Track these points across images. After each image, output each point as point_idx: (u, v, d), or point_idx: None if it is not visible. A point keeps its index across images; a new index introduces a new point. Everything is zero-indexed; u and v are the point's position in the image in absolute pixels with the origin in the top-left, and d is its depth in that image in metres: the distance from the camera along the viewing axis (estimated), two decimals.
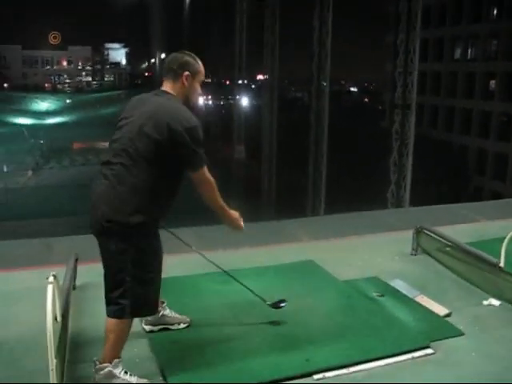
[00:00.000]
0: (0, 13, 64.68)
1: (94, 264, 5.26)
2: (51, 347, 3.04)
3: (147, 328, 4.18)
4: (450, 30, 42.84)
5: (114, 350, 3.44)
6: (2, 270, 5.48)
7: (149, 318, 4.13)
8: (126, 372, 3.46)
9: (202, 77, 3.67)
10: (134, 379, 3.46)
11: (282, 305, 4.48)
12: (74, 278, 4.90)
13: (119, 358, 3.46)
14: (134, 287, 3.35)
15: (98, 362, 3.43)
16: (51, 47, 75.06)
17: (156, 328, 4.18)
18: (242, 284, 4.54)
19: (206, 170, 3.51)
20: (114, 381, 3.40)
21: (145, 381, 3.50)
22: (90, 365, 3.54)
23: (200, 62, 3.66)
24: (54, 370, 3.08)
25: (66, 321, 3.79)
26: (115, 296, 3.38)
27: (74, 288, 4.88)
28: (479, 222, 7.79)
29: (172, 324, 4.22)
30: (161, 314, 4.16)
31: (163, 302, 4.18)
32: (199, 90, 3.66)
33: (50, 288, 3.12)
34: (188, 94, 3.60)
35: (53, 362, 3.06)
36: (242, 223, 3.90)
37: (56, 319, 3.44)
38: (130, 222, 3.28)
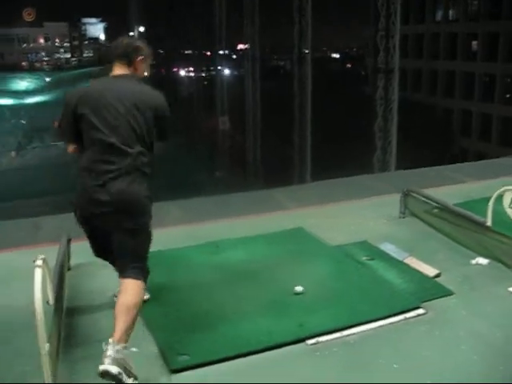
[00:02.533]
0: None
1: (84, 242, 5.30)
2: (42, 332, 3.00)
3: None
4: None
5: (130, 327, 3.27)
6: None
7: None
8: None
9: (150, 60, 3.84)
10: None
11: None
12: (67, 258, 4.87)
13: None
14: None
15: (112, 343, 3.14)
16: (26, 24, 73.57)
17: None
18: None
19: None
20: (131, 365, 3.17)
21: None
22: (86, 346, 3.56)
23: (146, 44, 3.81)
24: (47, 355, 3.04)
25: (59, 303, 3.77)
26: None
27: (69, 268, 4.85)
28: (465, 182, 7.83)
29: None
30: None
31: None
32: (149, 71, 3.83)
33: (38, 272, 3.07)
34: (140, 75, 3.76)
35: (45, 346, 3.03)
36: None
37: (48, 302, 3.43)
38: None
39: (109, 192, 3.36)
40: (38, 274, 3.07)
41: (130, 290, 3.39)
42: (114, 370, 3.04)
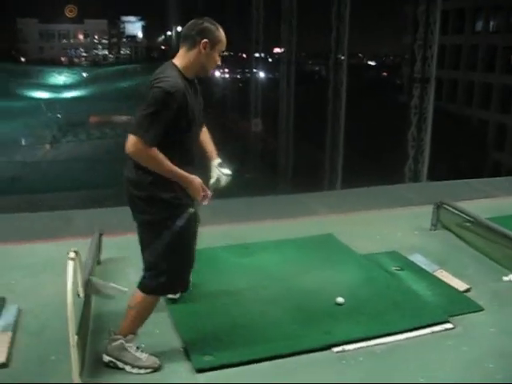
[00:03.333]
0: None
1: (117, 237, 5.39)
2: (72, 324, 3.08)
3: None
4: (471, 1, 41.92)
5: (131, 326, 3.48)
6: (24, 242, 5.56)
7: None
8: (137, 348, 3.49)
9: (222, 46, 3.38)
10: (144, 356, 3.46)
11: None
12: (98, 252, 4.96)
13: (134, 334, 3.50)
14: None
15: (112, 333, 3.47)
16: (67, 21, 74.84)
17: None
18: None
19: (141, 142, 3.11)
20: (124, 354, 3.44)
21: (154, 359, 3.49)
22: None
23: (221, 31, 3.37)
24: (75, 347, 3.13)
25: (88, 296, 3.83)
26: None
27: (99, 263, 4.93)
28: (498, 197, 7.71)
29: None
30: None
31: None
32: (218, 60, 3.38)
33: (70, 264, 3.13)
34: (204, 62, 3.33)
35: (74, 338, 3.11)
36: (205, 194, 3.45)
37: (78, 295, 3.49)
38: None
39: None
40: (71, 266, 3.13)
41: (135, 296, 3.48)
42: (105, 358, 3.46)
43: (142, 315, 3.49)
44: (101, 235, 5.05)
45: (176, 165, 3.22)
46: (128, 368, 3.44)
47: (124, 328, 3.47)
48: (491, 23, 41.86)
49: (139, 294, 3.44)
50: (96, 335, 3.81)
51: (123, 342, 3.44)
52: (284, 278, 4.76)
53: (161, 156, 3.16)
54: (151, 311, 3.52)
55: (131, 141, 3.12)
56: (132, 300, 3.47)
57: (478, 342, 3.89)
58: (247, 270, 4.90)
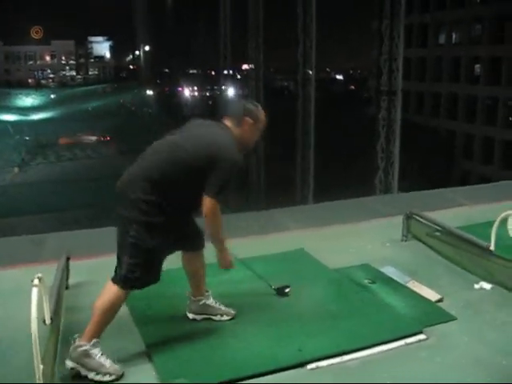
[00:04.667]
0: None
1: (87, 260, 5.28)
2: (37, 353, 3.01)
3: (190, 316, 4.23)
4: (433, 16, 42.84)
5: (95, 329, 3.53)
6: None
7: (192, 307, 4.22)
8: (102, 354, 3.51)
9: (262, 125, 3.93)
10: (108, 362, 3.49)
11: (287, 290, 4.68)
12: (66, 277, 4.84)
13: (98, 338, 3.54)
14: None
15: (77, 340, 3.50)
16: (34, 42, 74.29)
17: (199, 317, 4.21)
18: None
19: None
20: (87, 360, 3.46)
21: (116, 367, 3.52)
22: None
23: (263, 113, 3.92)
24: (41, 376, 3.06)
25: (56, 322, 3.75)
26: None
27: (67, 288, 4.81)
28: (468, 206, 7.78)
29: (215, 315, 4.23)
30: (202, 302, 4.19)
31: (207, 291, 4.24)
32: (256, 136, 3.94)
33: (34, 291, 3.06)
34: (245, 137, 3.86)
35: (39, 368, 3.04)
36: (234, 265, 4.14)
37: (44, 322, 3.40)
38: None
39: None
40: (35, 293, 3.05)
41: (102, 292, 3.64)
42: (68, 364, 3.49)
43: (106, 316, 3.56)
44: (68, 259, 4.91)
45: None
46: (91, 375, 3.46)
47: (88, 332, 3.52)
48: (453, 35, 42.80)
49: (108, 290, 3.59)
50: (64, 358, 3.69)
51: (87, 348, 3.47)
52: (255, 294, 4.71)
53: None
54: (116, 312, 3.62)
55: (209, 203, 3.63)
56: (99, 299, 3.59)
57: (452, 352, 3.88)
58: (218, 289, 4.82)
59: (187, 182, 3.64)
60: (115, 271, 3.68)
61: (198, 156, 3.62)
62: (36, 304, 3.02)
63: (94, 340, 3.50)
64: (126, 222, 3.59)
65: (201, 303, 4.19)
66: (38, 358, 3.02)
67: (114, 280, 3.63)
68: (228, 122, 3.84)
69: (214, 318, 4.22)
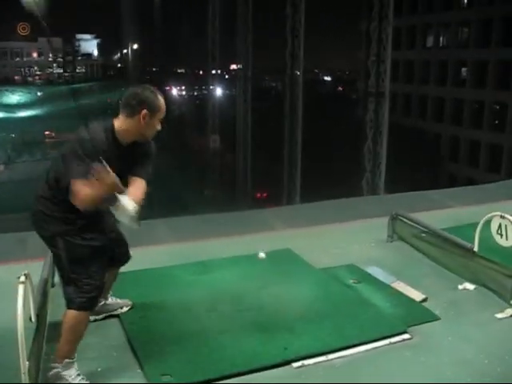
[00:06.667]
0: None
1: None
2: (23, 350, 2.99)
3: (91, 318, 3.96)
4: (421, 18, 43.08)
5: (66, 348, 3.37)
6: None
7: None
8: (78, 375, 3.37)
9: (162, 114, 3.46)
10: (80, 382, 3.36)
11: None
12: (52, 274, 4.81)
13: (72, 358, 3.38)
14: None
15: (52, 359, 3.41)
16: (20, 38, 73.66)
17: (99, 317, 4.18)
18: None
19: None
20: (62, 382, 3.33)
21: None
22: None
23: (161, 98, 3.44)
24: (27, 373, 3.03)
25: (42, 320, 3.74)
26: None
27: (53, 285, 4.79)
28: (453, 207, 7.86)
29: (116, 310, 4.28)
30: (102, 303, 4.15)
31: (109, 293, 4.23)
32: (158, 127, 3.46)
33: (20, 288, 3.05)
34: (144, 131, 3.42)
35: (25, 365, 3.02)
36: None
37: (30, 319, 3.38)
38: None
39: None
40: (21, 290, 3.04)
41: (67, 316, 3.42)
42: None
43: (77, 334, 3.40)
44: None
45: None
46: None
47: (60, 351, 3.38)
48: (441, 39, 43.05)
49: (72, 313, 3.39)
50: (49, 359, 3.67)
51: (59, 370, 3.35)
52: (242, 294, 4.73)
53: None
54: (85, 328, 3.46)
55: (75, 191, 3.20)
56: (66, 320, 3.39)
57: (436, 352, 3.93)
58: (204, 288, 4.85)
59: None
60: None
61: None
62: (22, 301, 3.02)
63: (66, 360, 3.36)
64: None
65: (101, 304, 4.11)
66: (23, 355, 3.00)
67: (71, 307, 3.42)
68: (122, 117, 3.39)
69: (115, 313, 4.26)
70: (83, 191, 3.13)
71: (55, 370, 3.34)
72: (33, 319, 3.45)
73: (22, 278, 3.08)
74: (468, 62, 39.46)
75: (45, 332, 3.93)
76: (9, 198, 31.98)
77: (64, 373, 3.34)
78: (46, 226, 3.44)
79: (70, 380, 3.33)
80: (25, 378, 3.03)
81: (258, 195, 33.98)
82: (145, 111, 3.34)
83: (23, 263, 5.09)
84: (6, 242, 6.49)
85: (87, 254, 3.39)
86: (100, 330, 4.00)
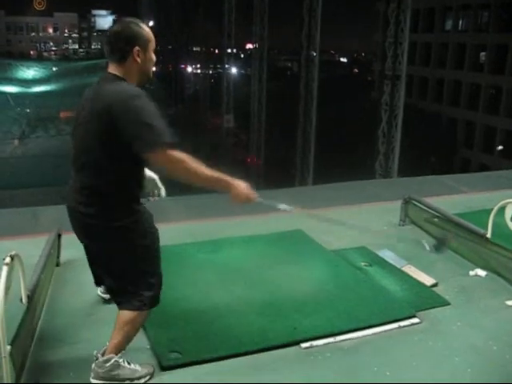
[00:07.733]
0: None
1: None
2: (2, 334, 2.83)
3: (106, 296, 4.00)
4: (441, 1, 42.45)
5: (124, 342, 3.22)
6: None
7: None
8: (128, 362, 3.28)
9: (153, 43, 3.09)
10: (138, 366, 3.30)
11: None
12: (57, 254, 4.80)
13: (124, 349, 3.28)
14: None
15: (100, 356, 3.19)
16: (36, 13, 73.62)
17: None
18: None
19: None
20: (119, 372, 3.20)
21: (146, 366, 3.37)
22: (62, 348, 3.53)
23: (144, 26, 3.06)
24: (8, 357, 2.88)
25: (34, 302, 3.63)
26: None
27: (58, 265, 4.80)
28: (466, 193, 7.81)
29: None
30: None
31: None
32: (154, 58, 3.11)
33: (4, 269, 2.86)
34: (145, 69, 3.08)
35: (5, 348, 2.85)
36: (253, 194, 3.30)
37: (21, 300, 3.31)
38: None
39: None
40: (4, 272, 2.87)
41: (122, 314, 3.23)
42: (95, 382, 3.16)
43: (137, 329, 3.28)
44: (59, 235, 4.81)
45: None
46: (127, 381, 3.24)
47: (116, 346, 3.19)
48: (460, 22, 42.43)
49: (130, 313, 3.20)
50: (43, 344, 3.66)
51: (117, 359, 3.19)
52: (252, 273, 4.75)
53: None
54: (141, 326, 3.35)
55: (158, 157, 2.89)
56: (122, 316, 3.20)
57: (444, 337, 3.92)
58: (215, 266, 4.87)
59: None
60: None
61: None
62: (4, 283, 2.85)
63: (123, 351, 3.22)
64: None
65: None
66: (3, 339, 2.85)
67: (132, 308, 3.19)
68: (115, 65, 3.02)
69: None
70: (188, 163, 2.92)
71: (113, 360, 3.16)
72: (24, 301, 3.35)
73: (8, 260, 2.91)
74: (487, 47, 38.90)
75: (41, 314, 3.90)
76: (23, 173, 32.16)
77: (121, 360, 3.21)
78: (108, 219, 3.06)
79: (128, 366, 3.25)
80: (5, 361, 2.87)
81: (271, 176, 33.90)
82: (137, 48, 2.99)
83: (35, 237, 5.11)
84: (19, 217, 6.55)
85: (156, 241, 3.29)
86: (110, 307, 4.02)
